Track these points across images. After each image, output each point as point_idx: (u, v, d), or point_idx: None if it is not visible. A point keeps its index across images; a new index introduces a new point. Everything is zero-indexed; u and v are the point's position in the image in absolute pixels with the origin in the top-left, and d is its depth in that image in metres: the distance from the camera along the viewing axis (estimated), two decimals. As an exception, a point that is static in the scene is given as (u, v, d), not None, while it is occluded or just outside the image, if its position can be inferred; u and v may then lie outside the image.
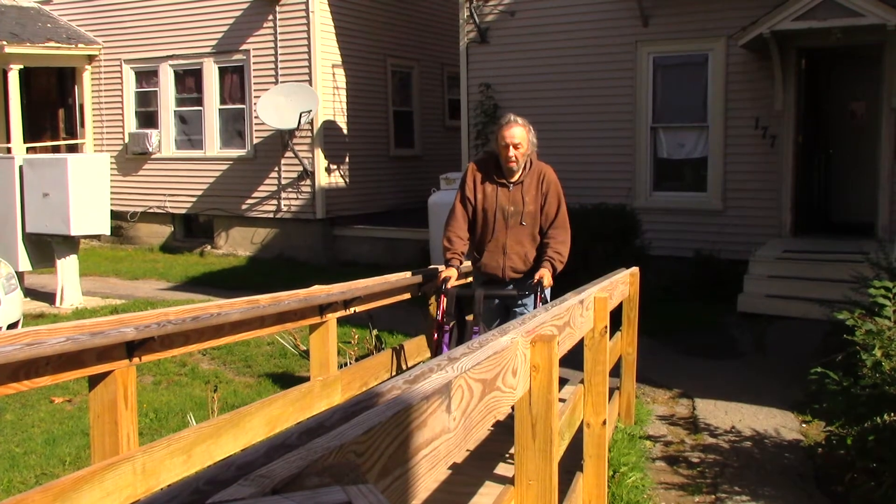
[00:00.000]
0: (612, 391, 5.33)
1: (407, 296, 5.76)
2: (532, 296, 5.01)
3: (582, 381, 4.18)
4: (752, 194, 10.74)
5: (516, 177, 5.08)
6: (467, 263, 5.43)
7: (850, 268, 7.55)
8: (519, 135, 4.96)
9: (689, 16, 10.85)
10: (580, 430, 4.12)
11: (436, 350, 5.13)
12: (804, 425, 6.01)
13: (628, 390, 6.00)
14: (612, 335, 4.68)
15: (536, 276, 4.94)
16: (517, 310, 5.05)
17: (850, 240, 9.68)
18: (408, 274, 5.82)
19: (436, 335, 5.17)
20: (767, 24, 9.45)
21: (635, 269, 6.08)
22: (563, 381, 5.25)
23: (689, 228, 10.95)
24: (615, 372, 5.50)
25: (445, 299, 5.09)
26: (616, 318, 5.29)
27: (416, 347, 5.80)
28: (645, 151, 11.35)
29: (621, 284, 5.30)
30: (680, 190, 11.29)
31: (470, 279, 5.67)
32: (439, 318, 5.09)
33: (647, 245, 10.04)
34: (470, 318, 5.16)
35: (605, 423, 4.13)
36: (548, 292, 5.10)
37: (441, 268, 5.33)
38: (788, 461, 5.37)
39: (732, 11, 10.45)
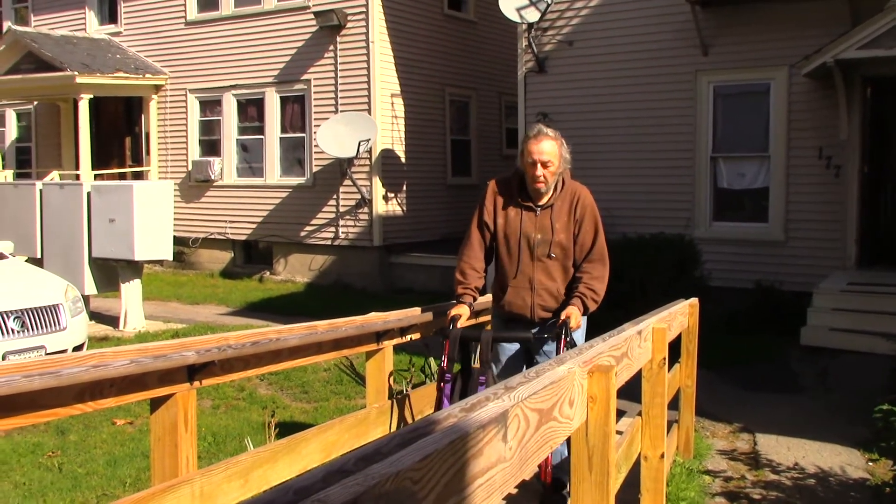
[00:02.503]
0: (670, 424, 5.24)
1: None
2: (556, 341, 4.20)
3: (639, 414, 4.12)
4: (815, 225, 10.52)
5: (545, 199, 4.31)
6: (484, 299, 4.76)
7: (918, 301, 7.34)
8: (549, 150, 4.18)
9: (750, 45, 10.75)
10: (637, 464, 4.05)
11: (437, 405, 4.33)
12: (870, 463, 5.83)
13: (687, 423, 5.89)
14: (670, 367, 4.60)
15: (563, 315, 4.19)
16: (537, 357, 4.33)
17: (919, 273, 9.41)
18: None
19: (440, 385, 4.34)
20: (831, 53, 9.31)
21: (694, 300, 5.99)
22: (620, 413, 5.18)
23: (750, 259, 10.77)
24: (673, 405, 5.40)
25: (449, 343, 4.26)
26: (675, 349, 5.19)
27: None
28: (705, 181, 11.21)
29: (680, 315, 5.22)
30: (741, 220, 11.11)
31: (485, 318, 4.95)
32: (443, 364, 4.29)
33: (706, 275, 9.89)
34: (477, 365, 4.38)
35: (663, 456, 4.06)
36: (580, 334, 4.35)
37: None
38: (854, 500, 5.21)
39: (794, 40, 10.32)
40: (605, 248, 4.37)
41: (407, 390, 6.32)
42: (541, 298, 4.32)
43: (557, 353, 4.03)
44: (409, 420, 4.74)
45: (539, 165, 4.17)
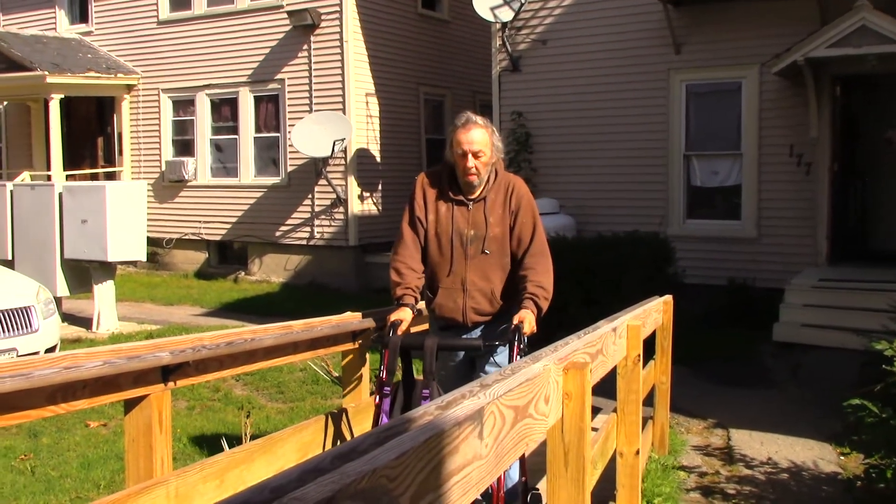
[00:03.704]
0: (645, 420, 5.27)
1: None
2: (507, 347, 3.82)
3: (615, 410, 4.15)
4: (786, 222, 10.64)
5: (477, 192, 3.97)
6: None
7: (887, 297, 7.43)
8: (479, 139, 3.86)
9: (722, 43, 10.84)
10: (613, 460, 4.08)
11: (374, 423, 3.95)
12: (842, 457, 5.90)
13: (662, 420, 5.94)
14: (645, 364, 4.63)
15: (516, 320, 3.79)
16: (488, 367, 3.92)
17: (888, 268, 9.54)
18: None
19: (377, 399, 3.93)
20: (801, 52, 9.40)
21: (669, 298, 6.04)
22: (595, 410, 5.20)
23: (723, 256, 10.86)
24: (648, 401, 5.44)
25: (388, 352, 3.83)
26: (649, 346, 5.23)
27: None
28: (678, 179, 11.30)
29: (654, 312, 5.26)
30: (714, 218, 11.22)
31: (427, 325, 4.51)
32: (382, 375, 3.87)
33: (680, 273, 9.96)
34: (420, 376, 3.92)
35: (638, 452, 4.09)
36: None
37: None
38: (826, 494, 5.27)
39: (765, 39, 10.42)
40: (546, 240, 4.04)
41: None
42: (473, 301, 3.97)
43: (510, 361, 3.61)
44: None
45: (470, 156, 3.86)
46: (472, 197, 3.97)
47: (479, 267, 3.95)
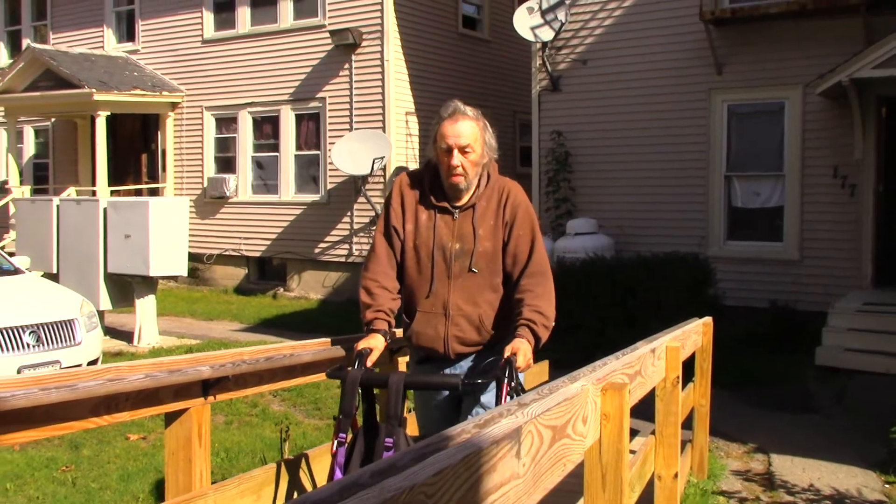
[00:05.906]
0: (684, 444, 5.21)
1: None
2: (496, 385, 3.09)
3: (653, 433, 4.11)
4: (830, 244, 10.48)
5: (465, 198, 3.33)
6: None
7: (935, 322, 7.29)
8: (468, 132, 3.22)
9: (764, 64, 10.76)
10: (651, 483, 4.03)
11: (329, 475, 3.22)
12: (888, 486, 5.77)
13: (701, 443, 5.86)
14: (684, 386, 4.58)
15: (508, 351, 3.10)
16: (476, 410, 3.26)
17: (935, 293, 9.34)
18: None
19: (333, 447, 3.18)
20: (846, 72, 9.30)
21: (708, 319, 5.97)
22: (633, 432, 5.15)
23: (765, 278, 10.73)
24: (687, 424, 5.37)
25: (345, 390, 3.15)
26: (689, 368, 5.16)
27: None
28: (719, 200, 11.20)
29: (694, 334, 5.20)
30: (755, 239, 11.09)
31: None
32: (339, 418, 3.21)
33: (720, 294, 9.86)
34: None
35: (676, 475, 4.04)
36: (523, 377, 3.26)
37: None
38: (870, 522, 5.16)
39: (808, 59, 10.32)
40: (546, 258, 3.37)
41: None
42: (457, 328, 3.30)
43: (498, 402, 3.02)
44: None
45: (456, 152, 3.21)
46: (459, 204, 3.33)
47: (464, 288, 3.30)
